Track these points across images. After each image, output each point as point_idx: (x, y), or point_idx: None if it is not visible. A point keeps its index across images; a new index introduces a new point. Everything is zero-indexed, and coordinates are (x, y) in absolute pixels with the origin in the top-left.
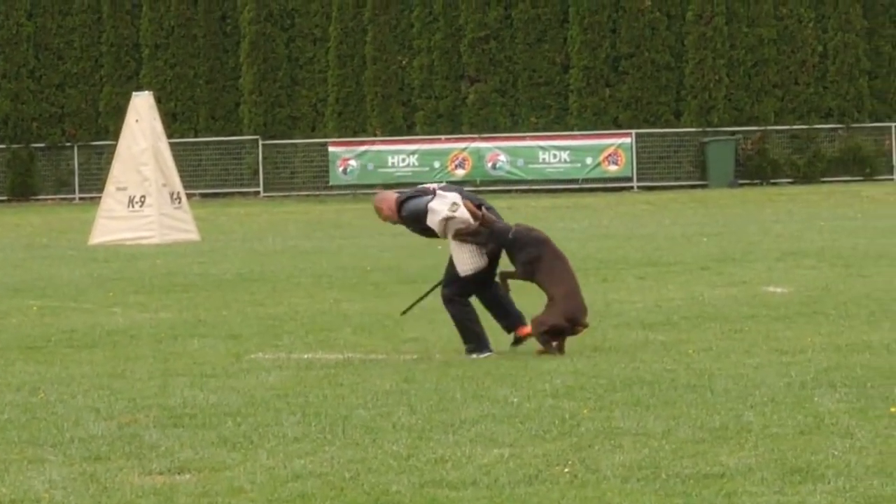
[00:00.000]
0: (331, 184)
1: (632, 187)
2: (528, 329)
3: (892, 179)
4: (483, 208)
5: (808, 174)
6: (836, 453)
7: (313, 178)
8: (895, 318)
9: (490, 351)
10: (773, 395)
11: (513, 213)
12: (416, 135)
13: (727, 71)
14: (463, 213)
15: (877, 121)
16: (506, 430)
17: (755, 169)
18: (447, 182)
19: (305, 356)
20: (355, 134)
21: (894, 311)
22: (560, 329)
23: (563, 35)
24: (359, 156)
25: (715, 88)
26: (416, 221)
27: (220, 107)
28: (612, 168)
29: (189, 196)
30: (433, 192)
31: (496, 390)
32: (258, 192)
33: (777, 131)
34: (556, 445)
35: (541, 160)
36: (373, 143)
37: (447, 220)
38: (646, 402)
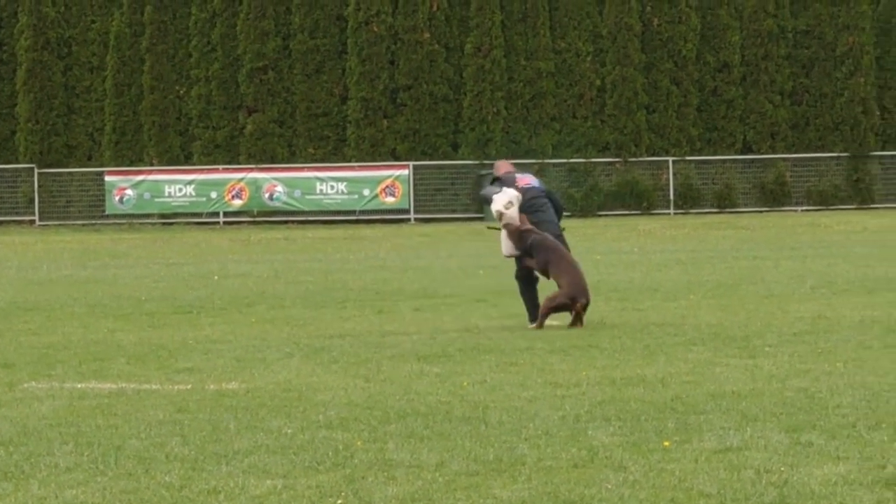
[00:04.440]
0: (107, 213)
1: (409, 219)
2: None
3: (668, 213)
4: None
5: (585, 207)
6: (609, 487)
7: (89, 207)
8: (670, 353)
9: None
10: (547, 428)
11: (289, 243)
12: (194, 164)
13: (505, 104)
14: (514, 212)
15: (654, 155)
16: (279, 461)
17: None
18: (531, 176)
19: (79, 386)
20: (132, 163)
21: (669, 346)
22: (565, 305)
23: (341, 66)
24: (135, 185)
25: (493, 121)
26: (486, 202)
27: None
28: (390, 200)
29: None
30: (510, 183)
31: (270, 421)
32: (33, 221)
33: (554, 164)
34: (329, 477)
35: (318, 191)
36: (149, 172)
37: (500, 214)
38: (420, 434)
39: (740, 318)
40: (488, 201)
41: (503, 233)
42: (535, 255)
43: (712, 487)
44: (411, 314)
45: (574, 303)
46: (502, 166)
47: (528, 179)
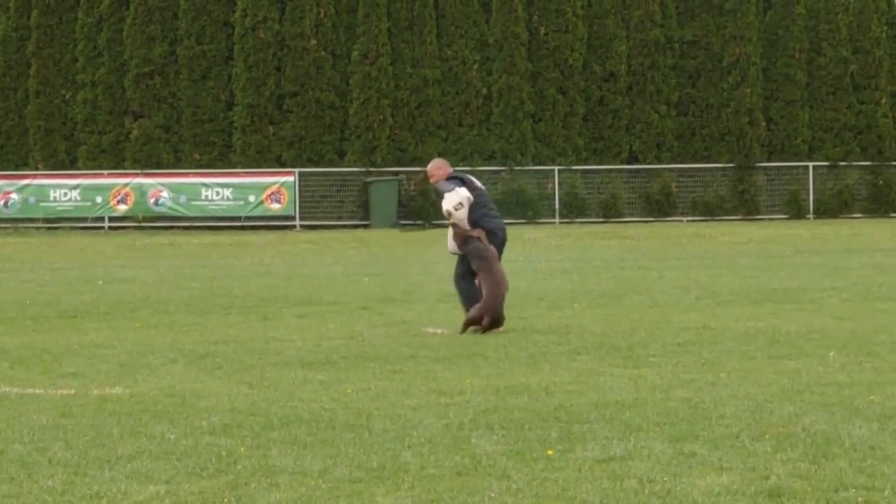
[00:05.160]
0: None
1: (294, 226)
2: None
3: (554, 223)
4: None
5: None
6: (492, 495)
7: None
8: (554, 361)
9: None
10: (430, 435)
11: (175, 249)
12: (79, 169)
13: (391, 111)
14: (462, 213)
15: (540, 164)
16: (162, 466)
17: (418, 210)
18: (473, 181)
19: None
20: (17, 167)
21: (553, 354)
22: (478, 320)
23: (227, 72)
24: (20, 189)
25: (379, 128)
26: (438, 196)
27: None
28: (275, 206)
29: None
30: (459, 184)
31: (153, 427)
32: None
33: None
34: (212, 483)
35: (203, 197)
36: (34, 176)
37: (449, 213)
38: (303, 441)
39: (625, 327)
40: (440, 196)
41: (450, 230)
42: (471, 261)
43: (595, 497)
44: (296, 321)
45: (481, 319)
46: (440, 168)
47: (477, 182)
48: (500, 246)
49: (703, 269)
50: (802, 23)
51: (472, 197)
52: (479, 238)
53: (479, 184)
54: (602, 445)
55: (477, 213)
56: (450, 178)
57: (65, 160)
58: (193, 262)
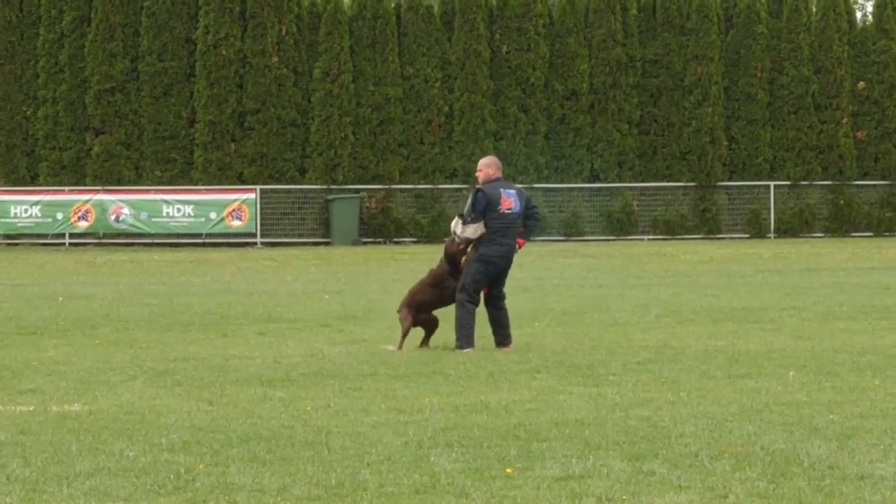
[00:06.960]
0: None
1: (255, 243)
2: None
3: None
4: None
5: (431, 233)
6: None
7: None
8: (513, 379)
9: (471, 348)
10: (389, 453)
11: (135, 266)
12: (40, 185)
13: (353, 129)
14: (460, 238)
15: None
16: (121, 483)
17: (379, 227)
18: (514, 196)
19: None
20: None
21: (513, 372)
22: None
23: (189, 89)
24: None
25: (340, 146)
26: (467, 209)
27: None
28: (236, 223)
29: None
30: (494, 204)
31: (112, 443)
32: None
33: (401, 190)
34: (170, 500)
35: (165, 214)
36: None
37: (454, 232)
38: (262, 458)
39: (585, 346)
40: (466, 213)
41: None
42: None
43: None
44: (256, 338)
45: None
46: (488, 167)
47: (511, 202)
48: (494, 275)
49: (663, 288)
50: (764, 42)
51: (476, 236)
52: (458, 245)
53: (514, 203)
54: (561, 464)
55: (487, 236)
56: (488, 184)
57: (25, 176)
58: (154, 278)
